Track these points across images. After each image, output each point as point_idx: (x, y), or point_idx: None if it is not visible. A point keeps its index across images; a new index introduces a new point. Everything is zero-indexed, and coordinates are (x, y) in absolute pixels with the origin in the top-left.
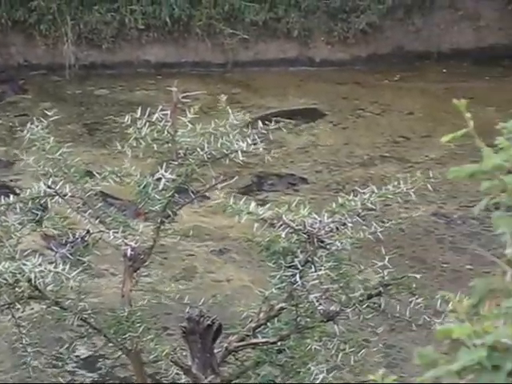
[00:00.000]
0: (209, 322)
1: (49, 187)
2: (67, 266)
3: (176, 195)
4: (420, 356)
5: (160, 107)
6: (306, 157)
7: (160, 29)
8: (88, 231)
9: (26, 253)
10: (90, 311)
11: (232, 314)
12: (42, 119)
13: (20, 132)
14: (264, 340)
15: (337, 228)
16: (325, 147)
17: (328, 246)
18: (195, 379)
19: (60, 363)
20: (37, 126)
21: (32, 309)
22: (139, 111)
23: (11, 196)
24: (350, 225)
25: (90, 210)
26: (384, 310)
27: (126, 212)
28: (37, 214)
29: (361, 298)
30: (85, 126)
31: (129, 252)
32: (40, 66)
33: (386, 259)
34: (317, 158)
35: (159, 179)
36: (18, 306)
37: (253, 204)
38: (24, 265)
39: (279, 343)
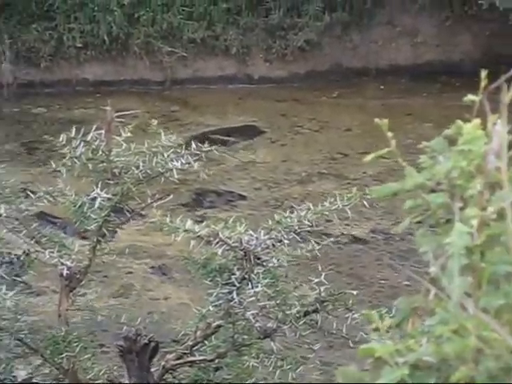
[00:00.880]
0: (145, 341)
1: None
2: (3, 287)
3: (112, 214)
4: (343, 375)
5: (95, 126)
6: (245, 174)
7: (98, 47)
8: (24, 251)
9: None
10: (26, 331)
11: (169, 332)
12: None
13: None
14: (201, 358)
15: (273, 245)
16: (263, 164)
17: (264, 263)
18: None
19: None
20: None
21: None
22: (74, 130)
23: None
24: (286, 241)
25: (25, 231)
26: (321, 326)
27: (65, 230)
28: None
29: (297, 315)
30: (23, 145)
31: (65, 272)
32: None
33: (323, 276)
34: (255, 175)
35: (95, 198)
36: None
37: (189, 222)
38: None
39: (217, 361)
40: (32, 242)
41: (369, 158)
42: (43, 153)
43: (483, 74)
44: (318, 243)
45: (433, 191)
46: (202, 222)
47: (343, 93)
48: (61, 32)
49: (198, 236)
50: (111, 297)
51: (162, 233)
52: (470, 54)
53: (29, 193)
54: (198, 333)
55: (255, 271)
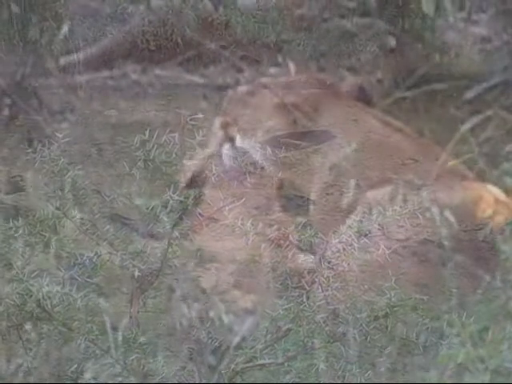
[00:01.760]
0: (216, 344)
1: (57, 209)
2: (74, 288)
3: (184, 217)
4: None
5: (168, 129)
6: (316, 178)
7: (171, 50)
8: (96, 253)
9: (34, 274)
10: (97, 332)
11: (238, 335)
12: None
13: None
14: (271, 361)
15: (343, 248)
16: (334, 169)
17: (334, 267)
18: None
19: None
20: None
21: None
22: (147, 133)
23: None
24: (356, 245)
25: (98, 232)
26: (390, 331)
27: (138, 232)
28: (45, 236)
29: (367, 319)
30: (94, 147)
31: (136, 273)
32: None
33: (393, 280)
34: (326, 179)
35: (167, 201)
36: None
37: (260, 225)
38: (31, 286)
39: (286, 364)
40: (104, 243)
41: (452, 163)
42: (112, 154)
43: None
44: (389, 248)
45: None
46: (273, 225)
47: (417, 99)
48: (135, 35)
49: (269, 239)
50: (180, 300)
51: (233, 236)
52: None
53: (103, 195)
54: (268, 336)
55: (325, 275)
